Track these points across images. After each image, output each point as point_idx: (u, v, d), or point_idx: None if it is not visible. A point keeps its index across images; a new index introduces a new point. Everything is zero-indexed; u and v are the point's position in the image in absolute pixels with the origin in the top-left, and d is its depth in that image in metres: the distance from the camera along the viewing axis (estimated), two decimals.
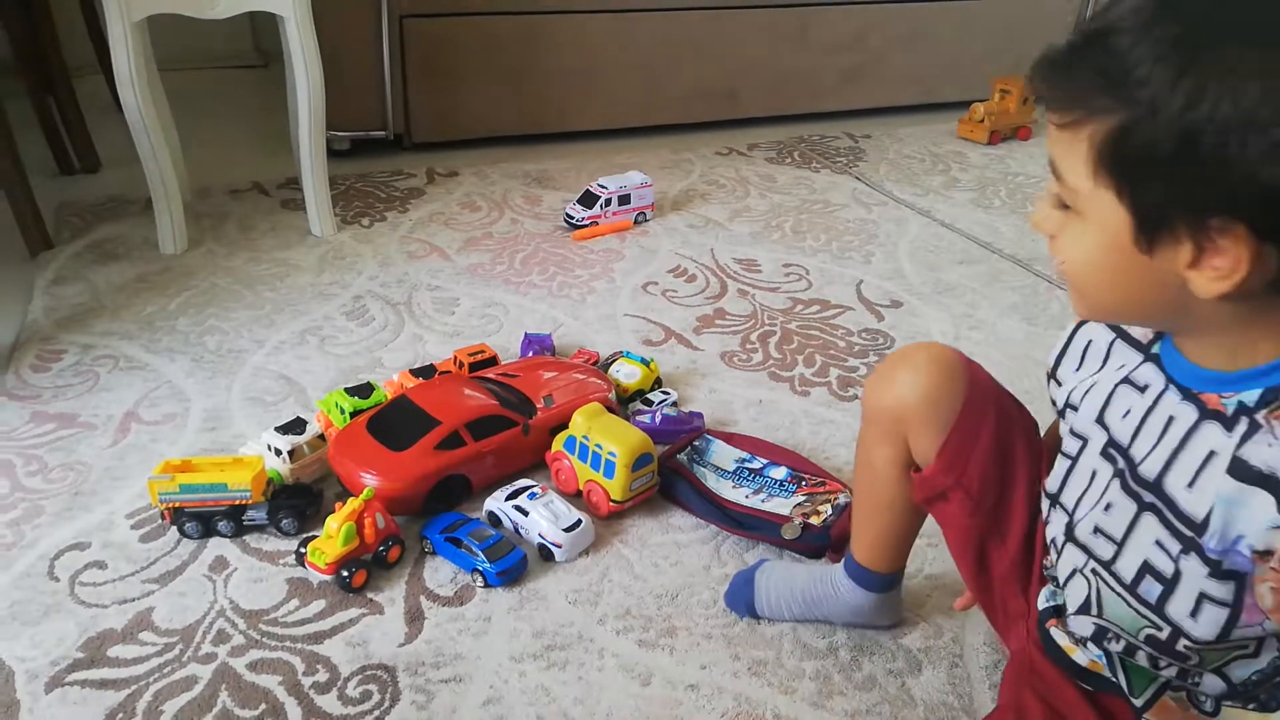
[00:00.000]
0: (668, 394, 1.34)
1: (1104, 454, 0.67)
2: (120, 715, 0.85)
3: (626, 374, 1.35)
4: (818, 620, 0.97)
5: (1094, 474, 0.68)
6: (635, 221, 1.90)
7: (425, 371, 1.30)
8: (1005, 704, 0.81)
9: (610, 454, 1.09)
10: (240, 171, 2.05)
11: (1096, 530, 0.67)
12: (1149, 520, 0.63)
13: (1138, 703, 0.70)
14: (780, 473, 1.16)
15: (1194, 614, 0.61)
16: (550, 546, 1.04)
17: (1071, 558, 0.70)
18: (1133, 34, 0.53)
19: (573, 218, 1.86)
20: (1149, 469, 0.63)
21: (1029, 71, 0.60)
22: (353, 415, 1.20)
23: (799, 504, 1.11)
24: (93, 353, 1.39)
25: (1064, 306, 1.67)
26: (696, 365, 1.45)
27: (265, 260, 1.69)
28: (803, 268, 1.77)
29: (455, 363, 1.33)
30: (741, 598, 0.99)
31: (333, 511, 1.02)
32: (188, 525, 1.05)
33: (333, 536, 1.00)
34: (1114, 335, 0.70)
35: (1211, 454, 0.59)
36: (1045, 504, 0.75)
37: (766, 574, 0.99)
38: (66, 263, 1.65)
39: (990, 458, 0.78)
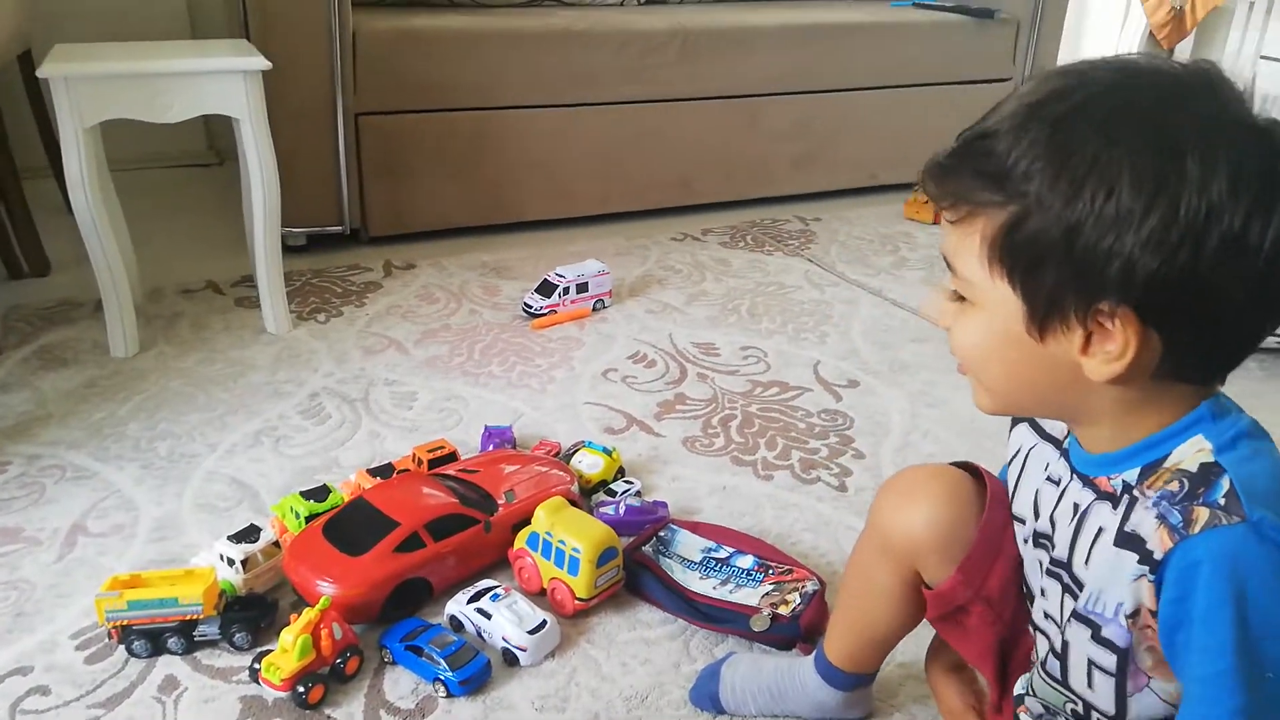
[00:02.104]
0: (631, 483, 1.33)
1: (1037, 544, 0.72)
2: None
3: (589, 464, 1.34)
4: (784, 715, 0.95)
5: (1039, 563, 0.72)
6: (594, 309, 1.92)
7: (383, 470, 1.28)
8: None
9: (574, 550, 1.07)
10: (193, 270, 2.03)
11: (1045, 615, 0.70)
12: (1067, 600, 0.66)
13: None
14: (747, 561, 1.15)
15: (1089, 684, 0.65)
16: (515, 651, 1.02)
17: (1042, 643, 0.72)
18: (1009, 136, 0.57)
19: (531, 307, 1.87)
20: (1060, 553, 0.67)
21: (919, 175, 0.63)
22: (308, 519, 1.17)
23: (767, 593, 1.09)
24: (38, 463, 1.35)
25: None
26: (659, 452, 1.44)
27: (219, 360, 1.67)
28: (760, 350, 1.79)
29: (414, 460, 1.32)
30: (706, 691, 0.97)
31: (288, 623, 0.99)
32: (136, 644, 1.01)
33: (288, 650, 0.96)
34: (1036, 438, 0.73)
35: (1100, 530, 0.63)
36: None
37: (733, 667, 0.97)
38: (12, 369, 1.61)
39: (1009, 564, 0.77)
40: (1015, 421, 0.76)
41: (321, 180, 2.09)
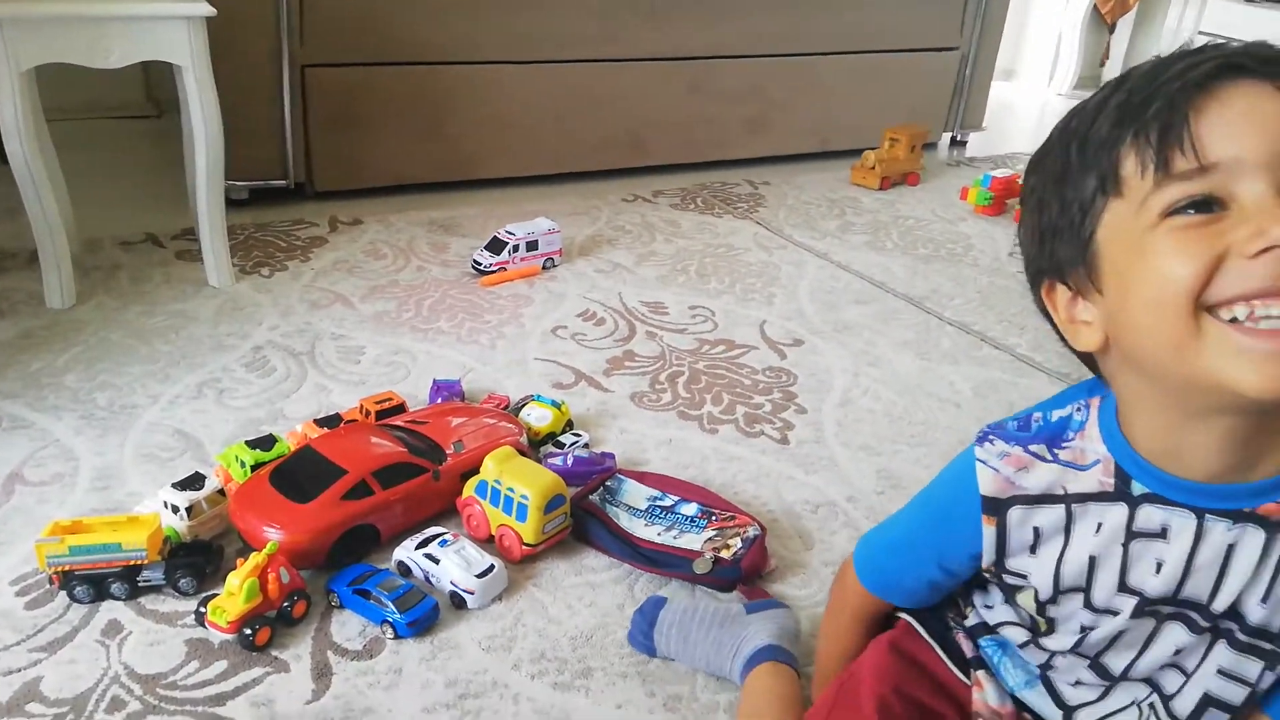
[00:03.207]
0: (579, 436, 1.35)
1: (1139, 614, 0.63)
2: None
3: (537, 417, 1.35)
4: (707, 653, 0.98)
5: (1122, 632, 0.64)
6: (544, 267, 1.92)
7: (330, 421, 1.27)
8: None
9: (522, 497, 1.09)
10: (132, 223, 1.99)
11: (1163, 667, 0.65)
12: (1220, 650, 0.62)
13: None
14: (691, 509, 1.18)
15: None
16: (463, 594, 1.03)
17: (1125, 692, 0.67)
18: None
19: (480, 264, 1.87)
20: (1221, 603, 0.60)
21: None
22: (254, 468, 1.17)
23: (710, 539, 1.12)
24: None
25: (954, 342, 1.75)
26: (607, 407, 1.46)
27: (159, 313, 1.64)
28: (708, 309, 1.81)
29: (362, 411, 1.32)
30: (640, 631, 1.00)
31: (234, 568, 0.99)
32: (78, 589, 1.00)
33: (234, 594, 0.97)
34: (1064, 504, 0.63)
35: None
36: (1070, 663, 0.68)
37: (670, 610, 1.00)
38: None
39: None
40: (999, 507, 0.65)
41: (266, 133, 2.06)
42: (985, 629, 0.75)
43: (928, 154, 2.61)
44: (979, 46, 2.87)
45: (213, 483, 1.13)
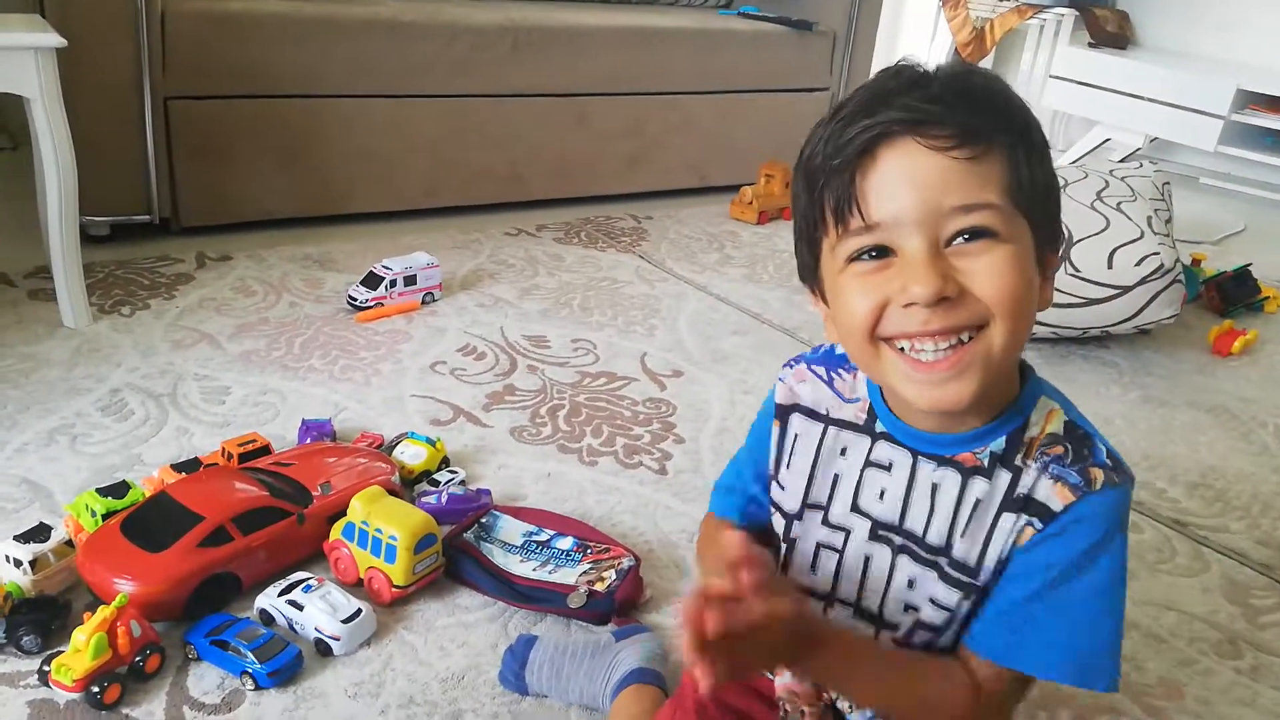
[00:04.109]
0: (455, 473, 1.33)
1: (874, 538, 0.71)
2: None
3: (411, 455, 1.33)
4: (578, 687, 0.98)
5: (868, 559, 0.72)
6: (423, 302, 1.90)
7: (189, 466, 1.23)
8: None
9: (390, 538, 1.07)
10: None
11: (907, 608, 0.71)
12: (931, 581, 0.69)
13: None
14: (566, 543, 1.18)
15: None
16: (328, 640, 1.00)
17: (887, 639, 0.73)
18: (995, 81, 0.65)
19: (356, 300, 1.83)
20: (933, 536, 0.69)
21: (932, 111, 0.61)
22: (105, 517, 1.11)
23: (584, 572, 1.13)
24: None
25: None
26: (485, 442, 1.45)
27: (9, 355, 1.55)
28: (590, 342, 1.82)
29: (223, 454, 1.27)
30: (511, 671, 0.99)
31: (81, 623, 0.94)
32: None
33: (81, 650, 0.92)
34: (824, 424, 0.74)
35: (977, 501, 0.67)
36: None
37: (541, 648, 1.00)
38: None
39: None
40: (785, 413, 0.76)
41: (126, 166, 1.98)
42: None
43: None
44: (848, 86, 3.00)
45: (60, 534, 1.07)
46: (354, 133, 2.22)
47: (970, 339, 0.61)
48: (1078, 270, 1.84)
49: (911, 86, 0.61)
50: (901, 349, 0.62)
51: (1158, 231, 1.89)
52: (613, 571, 1.12)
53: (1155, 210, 1.97)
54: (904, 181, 0.60)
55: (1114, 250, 1.85)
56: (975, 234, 0.60)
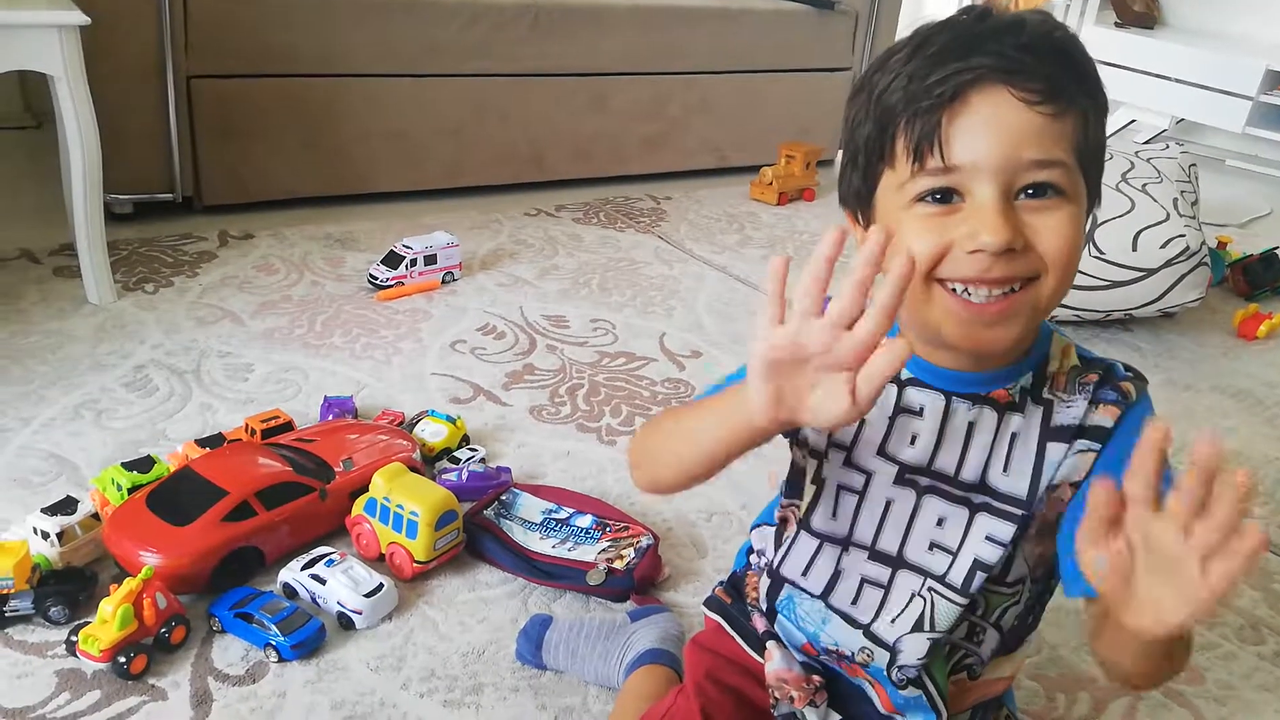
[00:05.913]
0: (475, 451, 1.34)
1: (900, 482, 0.71)
2: None
3: (432, 432, 1.34)
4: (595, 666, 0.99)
5: (889, 503, 0.72)
6: (443, 281, 1.90)
7: (213, 441, 1.24)
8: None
9: (412, 514, 1.08)
10: (6, 239, 1.90)
11: (933, 546, 0.71)
12: (982, 519, 0.70)
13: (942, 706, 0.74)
14: (586, 521, 1.19)
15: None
16: (350, 614, 1.01)
17: (905, 583, 0.72)
18: (1075, 43, 0.65)
19: (377, 279, 1.84)
20: (968, 474, 0.69)
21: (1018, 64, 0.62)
22: (131, 491, 1.13)
23: (603, 550, 1.13)
24: None
25: None
26: (505, 421, 1.46)
27: (35, 332, 1.57)
28: (609, 322, 1.82)
29: (246, 430, 1.28)
30: (529, 648, 1.00)
31: (108, 595, 0.95)
32: None
33: (107, 621, 0.93)
34: None
35: (1014, 435, 0.68)
36: (821, 551, 0.75)
37: (556, 629, 1.01)
38: None
39: None
40: None
41: (150, 145, 1.99)
42: (775, 580, 0.78)
43: (822, 170, 2.69)
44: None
45: (86, 507, 1.08)
46: (375, 113, 2.22)
47: (1020, 288, 0.62)
48: (1102, 252, 1.82)
49: (1003, 32, 0.62)
50: (954, 289, 0.63)
51: (1183, 214, 1.87)
52: (631, 549, 1.12)
53: (1181, 192, 1.94)
54: (990, 129, 0.61)
55: (1139, 232, 1.83)
56: (1043, 189, 0.62)
